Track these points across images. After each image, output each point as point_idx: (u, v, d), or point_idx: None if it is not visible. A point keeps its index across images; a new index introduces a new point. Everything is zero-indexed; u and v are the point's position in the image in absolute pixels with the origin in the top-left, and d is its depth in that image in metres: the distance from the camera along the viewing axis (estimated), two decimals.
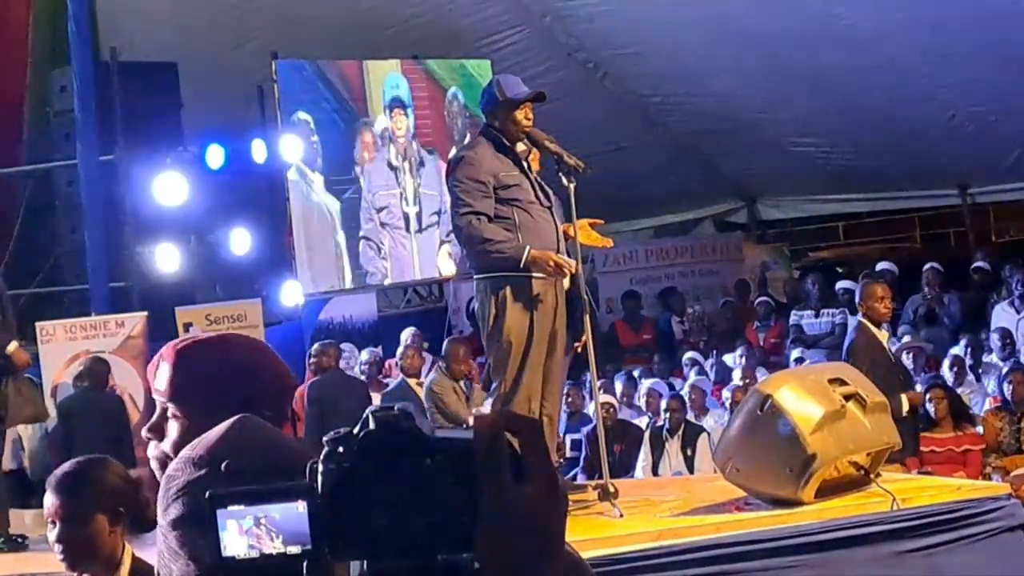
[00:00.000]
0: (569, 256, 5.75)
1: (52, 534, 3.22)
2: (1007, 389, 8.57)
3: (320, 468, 1.18)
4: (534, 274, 5.52)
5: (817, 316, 12.21)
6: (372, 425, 1.18)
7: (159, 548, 1.51)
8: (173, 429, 2.07)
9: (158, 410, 2.12)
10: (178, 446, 2.04)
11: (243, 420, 1.56)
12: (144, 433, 2.14)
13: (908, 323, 11.47)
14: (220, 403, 1.98)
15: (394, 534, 1.17)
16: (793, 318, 12.38)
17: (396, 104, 12.66)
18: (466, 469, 1.17)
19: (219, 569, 1.22)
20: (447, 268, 12.79)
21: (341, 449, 1.18)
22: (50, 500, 3.21)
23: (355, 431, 1.18)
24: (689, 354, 11.82)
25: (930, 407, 8.32)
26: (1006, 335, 10.08)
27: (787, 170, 14.45)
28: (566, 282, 5.73)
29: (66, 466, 3.33)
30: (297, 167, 11.75)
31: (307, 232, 11.85)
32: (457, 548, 1.18)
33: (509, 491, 1.17)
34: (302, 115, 11.83)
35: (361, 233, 12.21)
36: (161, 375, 2.09)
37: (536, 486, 1.18)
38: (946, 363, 9.61)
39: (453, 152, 11.81)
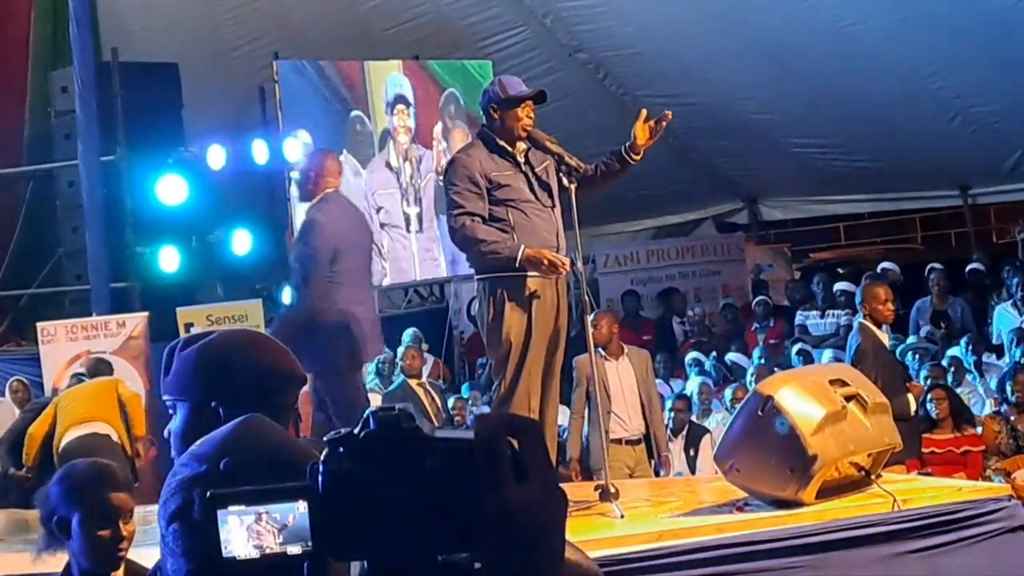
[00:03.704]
0: (572, 256, 5.75)
1: (125, 528, 3.16)
2: (1009, 389, 8.56)
3: (321, 468, 1.18)
4: (530, 273, 5.53)
5: (823, 316, 12.22)
6: (373, 426, 1.19)
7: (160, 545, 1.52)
8: (175, 420, 2.13)
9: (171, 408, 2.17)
10: (177, 436, 2.09)
11: (249, 420, 1.57)
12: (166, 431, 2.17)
13: (914, 324, 11.48)
14: (203, 397, 2.02)
15: (395, 534, 1.18)
16: (798, 318, 12.39)
17: (399, 101, 12.67)
18: (466, 469, 1.17)
19: (220, 569, 1.22)
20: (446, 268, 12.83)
21: (342, 449, 1.18)
22: (124, 496, 3.18)
23: (356, 432, 1.19)
24: (692, 354, 11.82)
25: (931, 408, 8.33)
26: (1021, 335, 10.06)
27: (788, 171, 14.46)
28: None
29: (97, 466, 3.31)
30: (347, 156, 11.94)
31: None
32: (457, 548, 1.18)
33: (509, 491, 1.17)
34: (303, 134, 11.82)
35: None
36: (166, 369, 2.14)
37: (536, 486, 1.18)
38: (943, 363, 9.61)
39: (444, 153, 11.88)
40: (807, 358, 10.53)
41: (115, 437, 8.16)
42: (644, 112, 5.78)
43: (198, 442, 1.55)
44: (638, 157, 5.72)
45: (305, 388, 10.70)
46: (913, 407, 7.19)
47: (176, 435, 2.12)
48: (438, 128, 12.95)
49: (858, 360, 6.75)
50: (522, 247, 5.48)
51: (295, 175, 6.81)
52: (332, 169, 6.81)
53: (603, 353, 8.06)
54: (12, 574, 5.57)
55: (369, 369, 11.03)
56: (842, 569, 4.96)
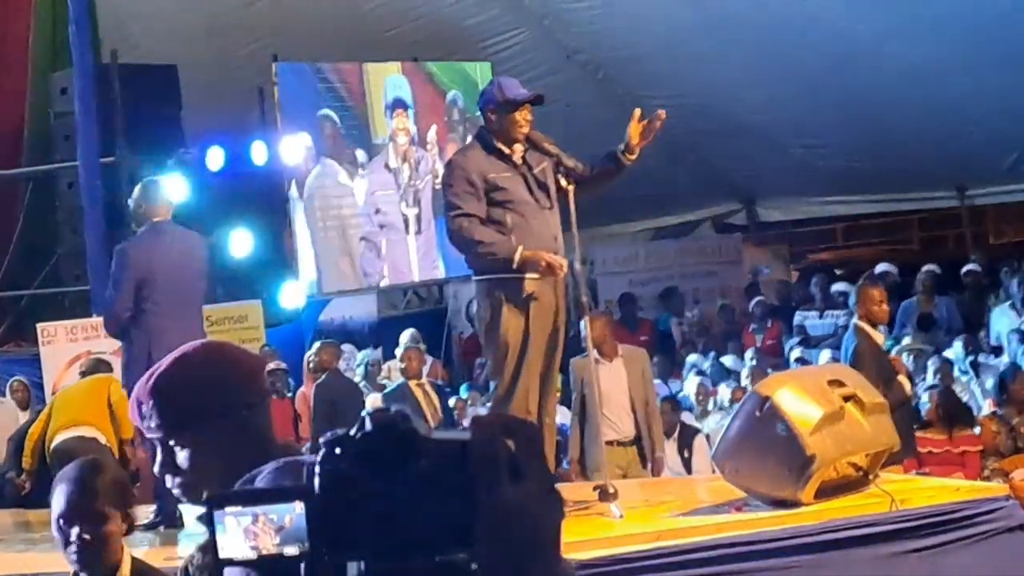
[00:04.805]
0: (571, 258, 5.76)
1: (69, 534, 3.18)
2: (1012, 388, 8.55)
3: (317, 469, 1.19)
4: (528, 275, 5.53)
5: (821, 317, 12.24)
6: (369, 427, 1.19)
7: None
8: (183, 457, 2.12)
9: (161, 449, 2.15)
10: (195, 468, 2.09)
11: None
12: (159, 472, 2.17)
13: (899, 325, 11.49)
14: (208, 416, 2.04)
15: (391, 535, 1.18)
16: (797, 318, 12.40)
17: (398, 105, 12.67)
18: (463, 470, 1.18)
19: (217, 571, 1.23)
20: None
21: (338, 451, 1.19)
22: (64, 500, 3.18)
23: (352, 433, 1.19)
24: (692, 357, 11.81)
25: (929, 408, 8.33)
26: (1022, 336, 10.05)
27: (786, 172, 14.46)
28: None
29: (76, 466, 3.32)
30: (331, 163, 11.91)
31: (307, 233, 11.87)
32: (454, 549, 1.19)
33: (506, 492, 1.18)
34: (328, 112, 11.83)
35: (361, 235, 12.23)
36: (148, 415, 2.13)
37: (532, 487, 1.19)
38: (936, 360, 9.61)
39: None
40: (805, 364, 10.53)
41: (103, 440, 8.21)
42: (637, 112, 5.78)
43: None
44: (633, 157, 5.71)
45: (303, 389, 10.69)
46: (908, 387, 7.20)
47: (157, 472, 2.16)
48: (432, 131, 12.95)
49: (857, 362, 6.74)
50: (519, 248, 5.48)
51: (131, 202, 7.11)
52: (161, 199, 7.10)
53: (596, 355, 8.06)
54: (12, 574, 5.58)
55: (359, 371, 11.11)
56: (840, 569, 4.97)
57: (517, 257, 5.47)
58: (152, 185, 7.23)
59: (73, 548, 3.17)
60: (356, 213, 12.23)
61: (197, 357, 2.20)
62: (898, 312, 11.47)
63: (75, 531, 3.16)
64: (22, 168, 11.95)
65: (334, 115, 12.03)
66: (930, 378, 8.95)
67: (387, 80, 12.67)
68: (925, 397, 8.38)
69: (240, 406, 2.12)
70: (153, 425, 2.12)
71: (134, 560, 3.27)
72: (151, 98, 11.19)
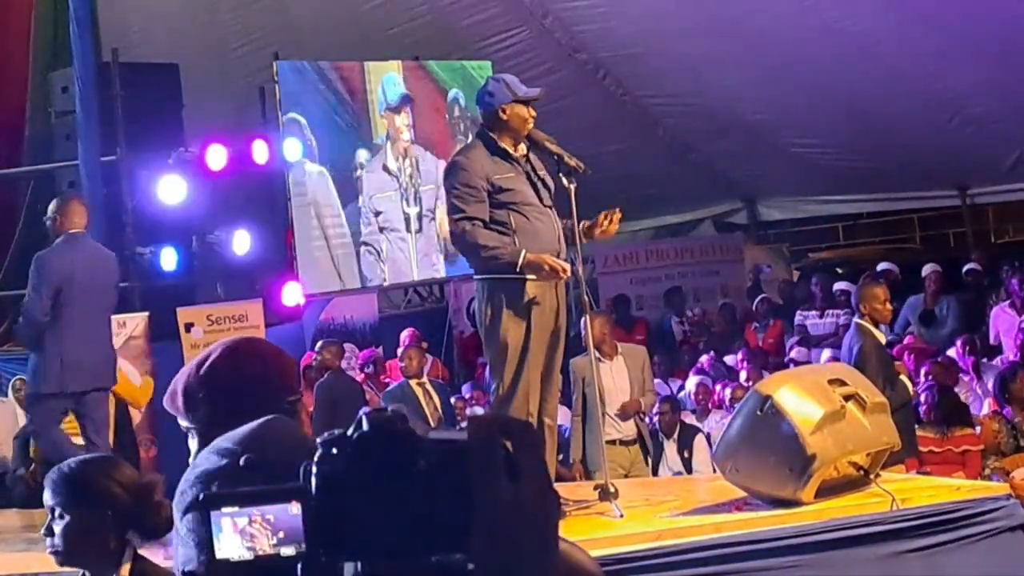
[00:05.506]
0: (572, 257, 5.76)
1: (43, 528, 3.25)
2: (1013, 387, 8.54)
3: (314, 469, 1.19)
4: (529, 277, 5.52)
5: (821, 316, 12.23)
6: (366, 427, 1.19)
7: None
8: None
9: (200, 442, 2.13)
10: None
11: (273, 420, 1.59)
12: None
13: (903, 320, 11.48)
14: (256, 408, 2.05)
15: (388, 535, 1.18)
16: (797, 318, 12.39)
17: (399, 103, 12.67)
18: (460, 471, 1.17)
19: (213, 572, 1.23)
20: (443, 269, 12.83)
21: (335, 451, 1.19)
22: (45, 495, 3.25)
23: (349, 433, 1.19)
24: (704, 358, 11.79)
25: (928, 408, 8.32)
26: None
27: (787, 171, 14.46)
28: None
29: (67, 462, 3.35)
30: (301, 164, 11.81)
31: (308, 233, 11.86)
32: (451, 549, 1.19)
33: (503, 493, 1.18)
34: (294, 115, 11.80)
35: (361, 238, 12.22)
36: (196, 406, 2.12)
37: (529, 488, 1.19)
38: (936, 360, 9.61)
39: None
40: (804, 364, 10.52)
41: None
42: (618, 215, 5.82)
43: (222, 437, 1.57)
44: (587, 241, 5.81)
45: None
46: (911, 387, 7.21)
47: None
48: (433, 130, 12.93)
49: (862, 362, 6.73)
50: (523, 252, 5.48)
51: (46, 218, 7.26)
52: (77, 211, 7.28)
53: (597, 354, 8.07)
54: (12, 574, 5.58)
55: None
56: (841, 568, 4.97)
57: (520, 261, 5.47)
58: (68, 198, 7.47)
59: (48, 542, 3.21)
60: (334, 214, 12.16)
61: (245, 351, 2.22)
62: (903, 308, 11.47)
63: (45, 526, 3.23)
64: (23, 167, 11.95)
65: (300, 118, 11.96)
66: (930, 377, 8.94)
67: (388, 79, 12.66)
68: (926, 396, 8.38)
69: (283, 399, 2.14)
70: (201, 414, 2.12)
71: (137, 558, 3.26)
72: (152, 97, 11.18)
